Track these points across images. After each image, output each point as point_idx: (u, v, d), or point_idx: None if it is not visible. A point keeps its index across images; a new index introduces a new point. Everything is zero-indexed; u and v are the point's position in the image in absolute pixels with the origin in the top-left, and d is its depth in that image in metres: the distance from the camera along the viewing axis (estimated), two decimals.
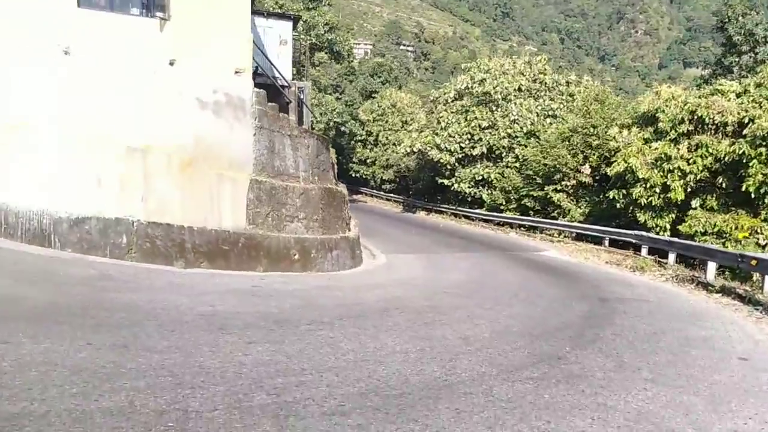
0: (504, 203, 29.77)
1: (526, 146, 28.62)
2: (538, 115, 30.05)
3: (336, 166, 21.21)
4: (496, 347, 7.14)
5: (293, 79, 18.36)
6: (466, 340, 7.36)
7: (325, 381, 5.36)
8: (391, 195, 44.60)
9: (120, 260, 10.05)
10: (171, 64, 11.01)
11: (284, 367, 5.67)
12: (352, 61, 50.40)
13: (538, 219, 26.67)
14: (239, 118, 12.31)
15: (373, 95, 48.51)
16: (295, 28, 20.88)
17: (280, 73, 15.73)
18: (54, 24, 9.99)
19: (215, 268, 11.13)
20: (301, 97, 17.55)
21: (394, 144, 42.01)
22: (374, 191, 47.28)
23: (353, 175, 46.50)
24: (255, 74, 13.06)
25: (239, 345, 6.19)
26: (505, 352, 6.95)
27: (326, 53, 38.29)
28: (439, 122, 32.90)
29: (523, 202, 28.13)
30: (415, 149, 34.23)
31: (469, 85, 31.93)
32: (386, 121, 44.06)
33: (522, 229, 27.67)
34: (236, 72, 12.14)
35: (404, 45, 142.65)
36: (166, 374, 5.06)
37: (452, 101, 33.21)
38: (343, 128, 45.15)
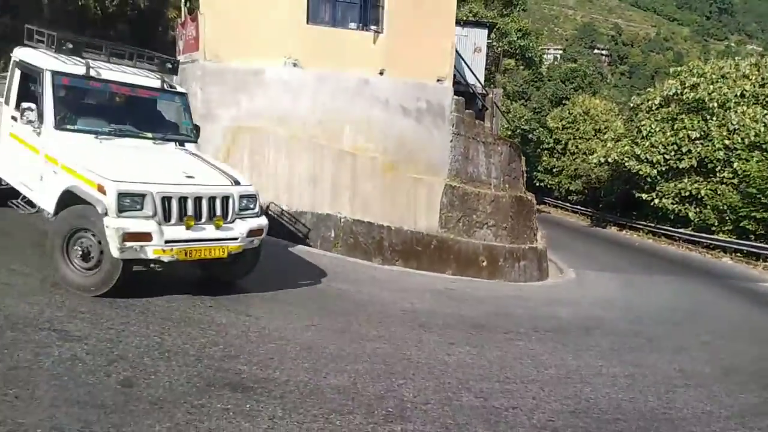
0: (716, 224, 26.23)
1: (748, 160, 24.90)
2: (766, 126, 25.95)
3: (525, 175, 20.70)
4: (722, 386, 6.31)
5: (484, 87, 18.39)
6: (683, 373, 6.64)
7: (530, 393, 5.25)
8: (578, 207, 42.15)
9: (327, 251, 11.00)
10: (381, 73, 11.76)
11: (487, 372, 5.68)
12: (541, 66, 48.84)
13: (761, 245, 23.02)
14: (438, 124, 12.68)
15: (563, 102, 46.43)
16: (489, 35, 20.91)
17: (478, 79, 15.87)
18: (285, 38, 11.30)
19: (408, 267, 11.60)
20: (497, 103, 17.49)
21: (584, 153, 39.64)
22: (559, 202, 45.17)
23: (537, 185, 44.93)
24: (453, 82, 13.35)
25: (441, 344, 6.36)
26: (733, 393, 6.12)
27: (517, 60, 37.62)
28: (639, 131, 30.20)
29: (741, 224, 24.50)
30: (609, 159, 31.91)
31: (679, 91, 28.78)
32: (577, 129, 41.78)
33: (739, 255, 24.12)
34: (438, 80, 12.54)
35: (598, 48, 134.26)
36: (380, 362, 5.40)
37: (657, 108, 30.27)
38: (530, 136, 43.95)
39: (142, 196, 5.41)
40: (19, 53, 6.77)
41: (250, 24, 10.96)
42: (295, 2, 11.14)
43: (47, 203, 5.85)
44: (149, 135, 6.65)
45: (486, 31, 19.64)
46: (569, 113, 43.02)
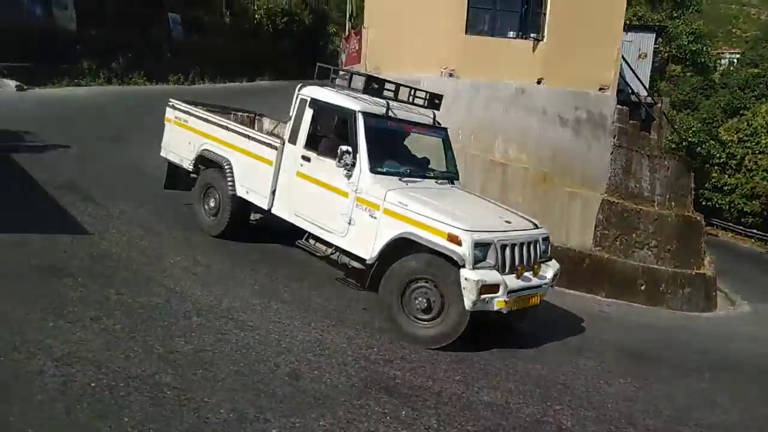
0: None
1: None
2: None
3: (693, 192, 18.73)
4: None
5: (647, 95, 16.96)
6: None
7: None
8: (753, 231, 37.14)
9: None
10: (538, 82, 11.38)
11: (653, 409, 5.17)
12: (714, 73, 43.89)
13: None
14: (597, 135, 11.95)
15: (740, 112, 41.28)
16: (656, 40, 19.28)
17: (645, 87, 14.69)
18: (443, 49, 11.41)
19: (557, 285, 11.03)
20: (665, 113, 16.05)
21: (765, 171, 34.90)
22: (729, 224, 40.16)
23: (703, 203, 40.28)
24: (616, 90, 12.50)
25: (599, 372, 5.93)
26: None
27: (685, 66, 34.19)
28: None
29: None
30: None
31: None
32: (757, 143, 36.85)
33: None
34: (600, 89, 11.83)
35: None
36: (533, 383, 5.17)
37: None
38: (697, 149, 39.67)
39: (488, 245, 5.23)
40: (310, 92, 6.47)
41: (410, 36, 11.25)
42: (455, 13, 11.22)
43: (362, 248, 5.75)
44: (431, 174, 6.50)
45: (653, 36, 18.20)
46: (748, 125, 38.15)
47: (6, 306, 4.34)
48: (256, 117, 8.72)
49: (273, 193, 6.63)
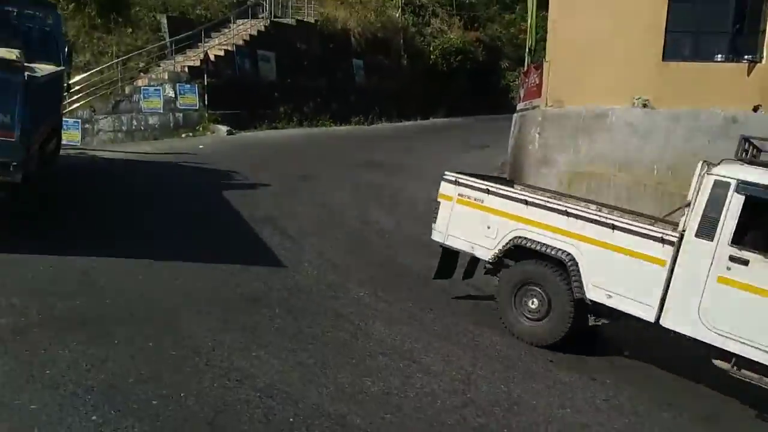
0: None
1: None
2: None
3: None
4: None
5: None
6: None
7: None
8: None
9: None
10: (755, 109, 9.86)
11: None
12: None
13: None
14: None
15: None
16: None
17: None
18: (635, 78, 10.48)
19: None
20: None
21: None
22: None
23: None
24: None
25: None
26: None
27: None
28: None
29: None
30: None
31: None
32: None
33: None
34: None
35: None
36: None
37: None
38: None
39: None
40: (736, 172, 5.07)
41: (597, 66, 10.55)
42: (651, 39, 10.28)
43: None
44: None
45: None
46: None
47: (220, 333, 4.77)
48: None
49: (662, 300, 5.24)
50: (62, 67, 8.89)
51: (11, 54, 5.94)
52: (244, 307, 5.47)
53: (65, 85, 10.21)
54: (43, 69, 6.92)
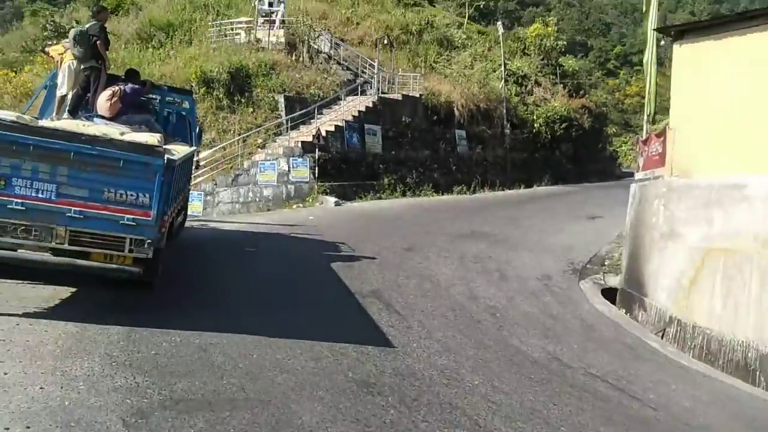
0: None
1: None
2: None
3: None
4: None
5: None
6: None
7: None
8: None
9: None
10: None
11: None
12: None
13: None
14: None
15: None
16: None
17: None
18: None
19: None
20: None
21: None
22: None
23: None
24: None
25: None
26: None
27: None
28: None
29: None
30: None
31: None
32: None
33: None
34: None
35: None
36: None
37: None
38: None
39: None
40: None
41: (732, 132, 9.70)
42: None
43: None
44: None
45: None
46: None
47: (333, 424, 4.54)
48: None
49: None
50: (194, 148, 9.61)
51: (153, 139, 6.48)
52: (357, 392, 5.24)
53: (195, 161, 11.07)
54: (179, 150, 7.45)
